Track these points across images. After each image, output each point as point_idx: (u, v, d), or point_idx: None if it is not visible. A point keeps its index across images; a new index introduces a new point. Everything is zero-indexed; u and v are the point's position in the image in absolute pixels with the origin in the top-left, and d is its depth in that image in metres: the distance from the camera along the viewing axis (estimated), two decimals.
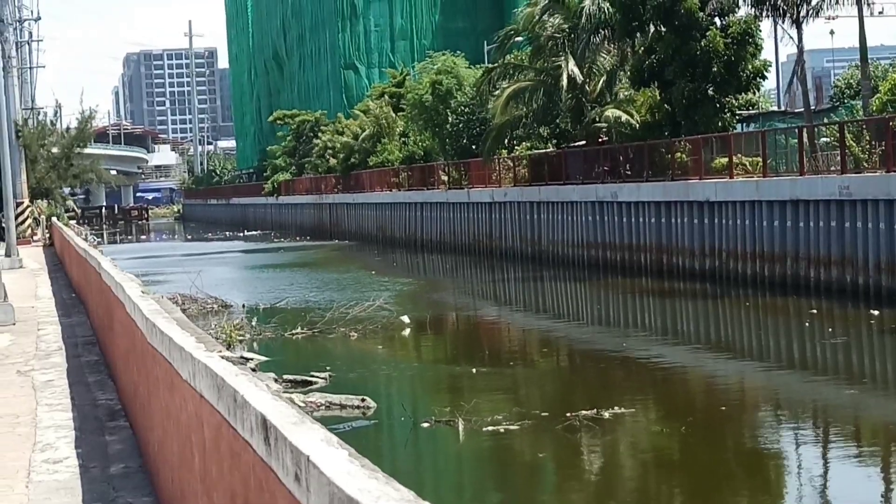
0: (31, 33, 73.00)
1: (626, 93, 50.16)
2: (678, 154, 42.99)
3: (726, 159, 40.21)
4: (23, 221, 60.43)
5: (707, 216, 39.33)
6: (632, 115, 47.41)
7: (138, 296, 11.36)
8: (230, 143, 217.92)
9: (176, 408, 7.63)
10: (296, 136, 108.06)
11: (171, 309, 12.17)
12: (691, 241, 40.19)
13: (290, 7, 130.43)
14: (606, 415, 19.15)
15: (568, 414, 19.11)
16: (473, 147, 61.88)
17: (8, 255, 42.42)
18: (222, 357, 6.55)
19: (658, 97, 46.03)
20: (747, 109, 49.71)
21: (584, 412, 19.11)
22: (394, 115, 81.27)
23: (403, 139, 78.30)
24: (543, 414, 19.63)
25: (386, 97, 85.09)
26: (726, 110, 44.25)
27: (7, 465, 10.84)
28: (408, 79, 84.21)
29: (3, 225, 42.06)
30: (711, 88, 43.55)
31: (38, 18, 72.32)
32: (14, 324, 23.29)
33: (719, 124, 43.59)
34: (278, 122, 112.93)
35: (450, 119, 65.22)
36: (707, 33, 43.06)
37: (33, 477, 10.36)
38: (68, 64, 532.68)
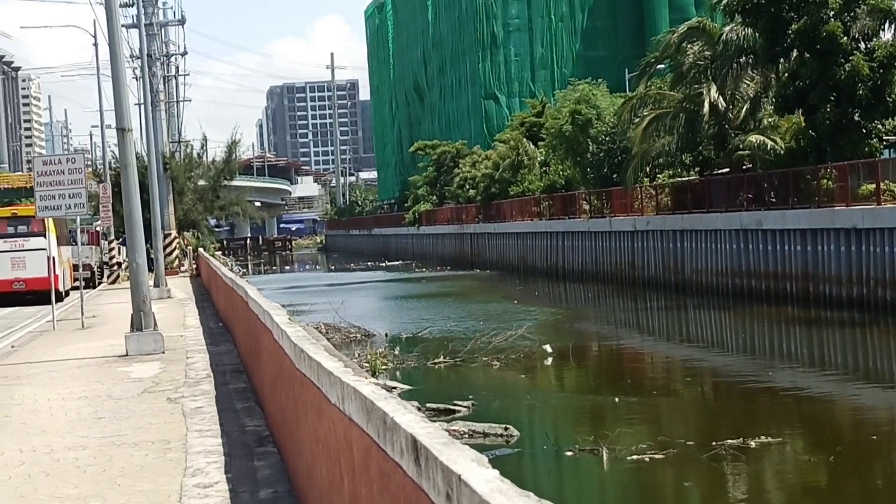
0: (177, 68, 74.42)
1: (769, 119, 49.62)
2: (824, 180, 42.38)
3: (873, 185, 39.56)
4: (170, 252, 61.55)
5: (854, 243, 38.71)
6: (776, 142, 46.89)
7: (286, 322, 11.51)
8: (372, 174, 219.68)
9: (324, 432, 7.72)
10: (436, 167, 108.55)
11: (317, 337, 12.33)
12: (838, 268, 39.57)
13: (430, 38, 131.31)
14: (753, 444, 18.92)
15: (713, 443, 18.92)
16: (614, 176, 61.62)
17: (157, 285, 43.23)
18: (370, 382, 6.63)
19: (802, 123, 45.47)
20: (894, 134, 48.86)
21: (729, 441, 18.90)
22: (532, 145, 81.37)
23: (544, 168, 78.28)
24: (688, 443, 19.45)
25: (524, 127, 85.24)
26: (873, 135, 43.52)
27: (159, 490, 11.04)
28: (547, 108, 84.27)
29: (152, 256, 42.90)
30: (857, 113, 42.90)
31: (185, 53, 73.63)
32: (164, 352, 23.73)
33: (865, 150, 42.89)
34: (419, 152, 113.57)
35: (590, 148, 65.07)
36: (851, 58, 42.45)
37: (185, 501, 10.53)
38: (213, 97, 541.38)
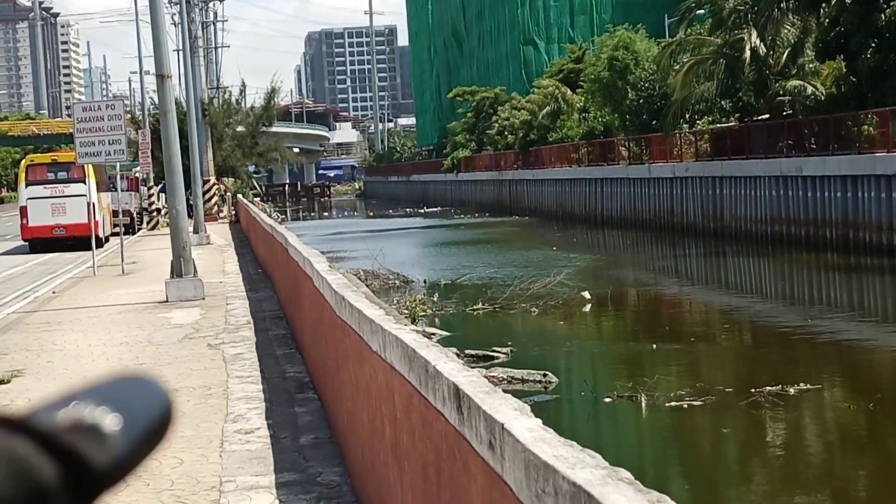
0: (215, 13, 74.49)
1: (810, 65, 49.24)
2: (865, 126, 42.08)
3: None
4: (210, 199, 61.74)
5: (895, 190, 38.47)
6: (816, 88, 46.57)
7: (326, 270, 11.55)
8: (410, 121, 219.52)
9: (365, 379, 7.76)
10: (475, 113, 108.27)
11: (357, 283, 12.38)
12: (878, 215, 39.35)
13: None
14: (791, 391, 18.91)
15: (752, 390, 18.92)
16: (654, 122, 61.33)
17: (196, 231, 43.40)
18: (412, 329, 6.66)
19: (843, 69, 45.11)
20: None
21: (768, 388, 18.90)
22: (570, 92, 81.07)
23: (583, 115, 78.02)
24: (727, 390, 19.46)
25: (563, 74, 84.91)
26: None
27: (201, 436, 11.14)
28: (586, 54, 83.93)
29: (191, 202, 43.06)
30: None
31: None
32: (204, 298, 23.88)
33: None
34: (458, 98, 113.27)
35: (629, 94, 64.79)
36: (893, 3, 42.05)
37: (226, 447, 10.64)
38: (249, 43, 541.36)
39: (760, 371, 21.71)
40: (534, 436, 3.67)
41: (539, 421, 3.90)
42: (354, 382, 8.57)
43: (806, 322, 28.07)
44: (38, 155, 53.28)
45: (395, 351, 6.24)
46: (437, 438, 5.11)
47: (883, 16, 41.97)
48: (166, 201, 35.71)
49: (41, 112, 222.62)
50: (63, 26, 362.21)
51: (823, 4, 45.13)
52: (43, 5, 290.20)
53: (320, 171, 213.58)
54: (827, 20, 44.94)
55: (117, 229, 39.30)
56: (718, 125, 54.94)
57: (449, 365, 5.12)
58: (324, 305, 10.94)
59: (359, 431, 8.49)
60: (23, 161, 49.46)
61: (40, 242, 44.87)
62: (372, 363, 7.28)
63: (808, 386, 19.41)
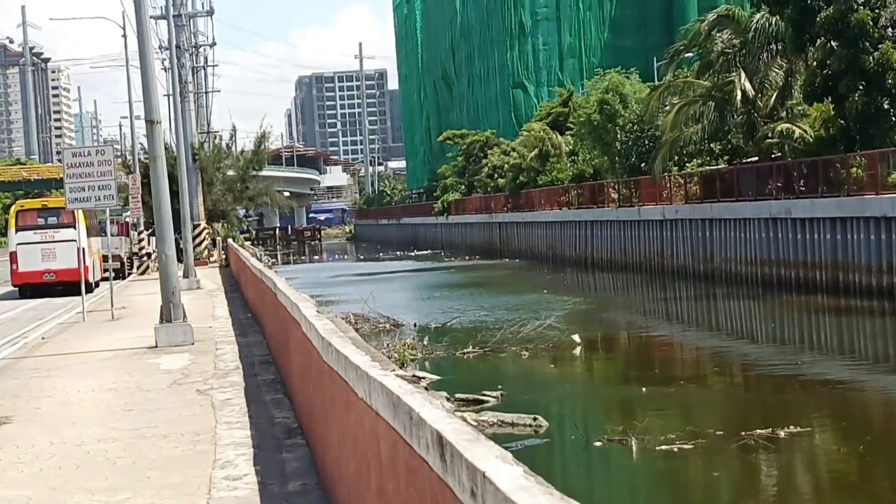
0: (206, 58, 74.52)
1: (798, 107, 49.43)
2: (854, 169, 42.19)
3: None
4: (200, 243, 61.73)
5: (884, 232, 38.54)
6: (805, 130, 46.73)
7: (314, 315, 11.55)
8: (400, 164, 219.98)
9: (352, 426, 7.75)
10: (465, 156, 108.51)
11: (345, 328, 12.37)
12: (868, 257, 39.41)
13: (458, 28, 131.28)
14: (782, 434, 18.89)
15: (743, 433, 18.90)
16: (642, 165, 61.48)
17: (186, 276, 43.35)
18: (397, 376, 6.65)
19: (832, 111, 45.28)
20: None
21: (758, 431, 18.88)
22: (558, 136, 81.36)
23: (572, 158, 78.22)
24: (718, 433, 19.44)
25: (550, 118, 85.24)
26: None
27: (189, 482, 11.11)
28: (574, 97, 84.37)
29: (182, 247, 43.03)
30: (886, 101, 42.68)
31: (214, 44, 73.84)
32: (193, 344, 23.82)
33: (895, 138, 42.70)
34: (448, 141, 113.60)
35: (619, 137, 64.99)
36: (880, 46, 42.26)
37: (214, 493, 10.60)
38: (241, 87, 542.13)
39: (751, 414, 21.70)
40: (515, 484, 3.67)
41: (521, 469, 3.90)
42: (341, 429, 8.55)
43: (796, 365, 28.07)
44: (28, 200, 53.24)
45: (380, 398, 6.24)
46: (421, 486, 5.10)
47: (870, 58, 42.15)
48: (156, 246, 35.69)
49: (31, 157, 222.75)
50: (54, 71, 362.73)
51: (811, 47, 45.33)
52: (34, 51, 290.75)
53: (311, 215, 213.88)
54: (815, 63, 45.14)
55: (107, 274, 39.24)
56: (708, 168, 55.07)
57: (433, 412, 5.12)
58: (311, 351, 10.93)
59: (346, 478, 8.47)
60: (13, 206, 49.41)
61: (30, 288, 44.80)
62: (358, 409, 7.27)
63: (799, 429, 19.39)
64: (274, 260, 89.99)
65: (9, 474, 11.99)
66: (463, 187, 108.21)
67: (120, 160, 68.57)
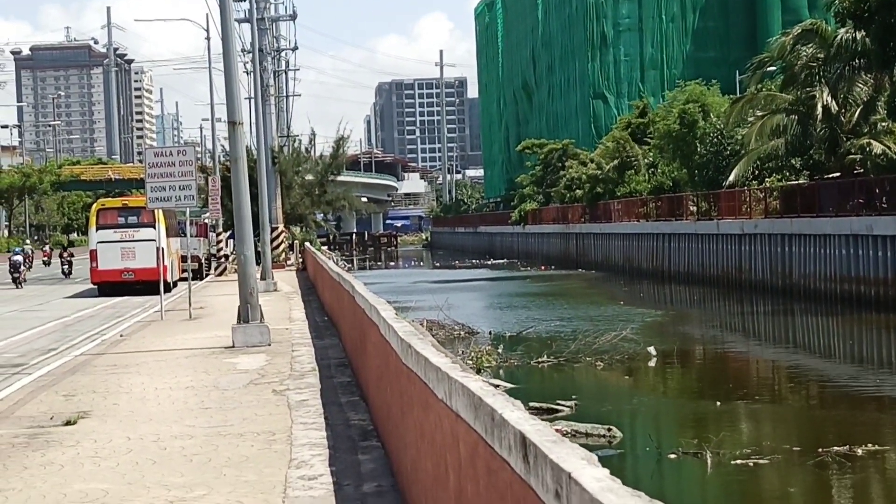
0: (287, 63, 74.93)
1: (883, 123, 48.90)
2: None
3: None
4: (277, 246, 62.04)
5: None
6: (889, 147, 46.21)
7: (393, 318, 11.56)
8: (478, 172, 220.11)
9: (430, 427, 7.73)
10: (544, 165, 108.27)
11: (423, 333, 12.37)
12: None
13: (539, 37, 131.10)
14: (860, 452, 18.67)
15: (819, 449, 18.71)
16: (721, 178, 61.03)
17: (263, 278, 43.56)
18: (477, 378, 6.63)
19: None
20: None
21: (835, 448, 18.67)
22: (637, 147, 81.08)
23: (652, 170, 77.87)
24: (794, 449, 19.25)
25: (629, 130, 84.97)
26: None
27: (265, 481, 11.14)
28: (649, 109, 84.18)
29: (260, 249, 43.28)
30: None
31: (296, 48, 74.22)
32: (270, 345, 23.93)
33: None
34: (526, 151, 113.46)
35: (699, 149, 64.62)
36: None
37: (289, 493, 10.62)
38: (322, 92, 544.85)
39: (827, 431, 21.47)
40: (601, 485, 3.64)
41: (606, 471, 3.86)
42: (419, 430, 8.54)
43: (875, 383, 27.74)
44: (109, 199, 53.77)
45: (460, 399, 6.21)
46: (502, 487, 5.08)
47: None
48: (234, 248, 35.89)
49: (113, 157, 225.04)
50: (136, 73, 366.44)
51: None
52: (117, 52, 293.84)
53: (388, 221, 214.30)
54: None
55: (185, 274, 39.55)
56: (789, 182, 54.61)
57: (515, 414, 5.10)
58: (389, 353, 10.94)
59: (422, 480, 8.46)
60: (94, 205, 49.91)
61: (109, 286, 45.22)
62: (437, 411, 7.26)
63: (877, 447, 19.16)
64: (350, 265, 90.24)
65: (86, 468, 12.09)
66: (540, 197, 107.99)
67: (199, 163, 69.12)
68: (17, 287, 53.81)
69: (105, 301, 42.13)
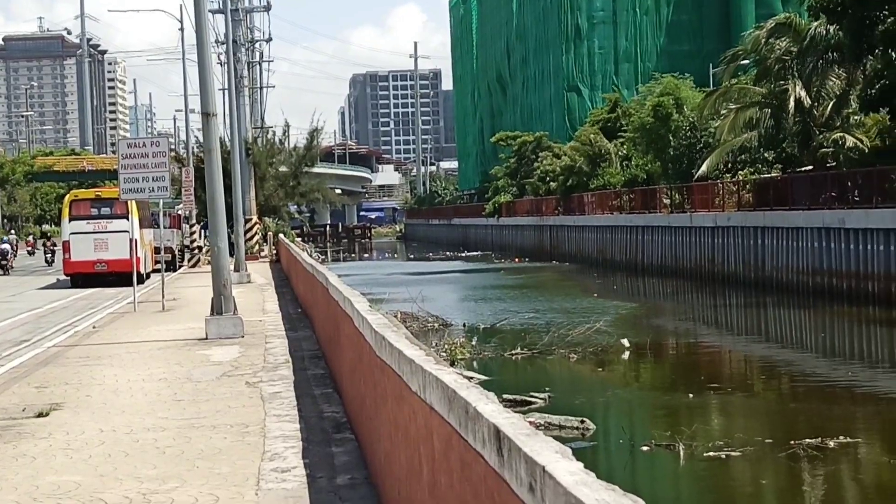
0: (261, 54, 74.73)
1: (855, 117, 49.09)
2: None
3: None
4: (251, 238, 61.92)
5: None
6: (861, 140, 46.39)
7: (366, 309, 11.54)
8: (452, 164, 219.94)
9: (404, 420, 7.73)
10: (518, 158, 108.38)
11: (397, 325, 12.36)
12: None
13: (514, 30, 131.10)
14: (832, 444, 18.75)
15: (791, 442, 18.78)
16: (693, 171, 61.21)
17: (237, 269, 43.48)
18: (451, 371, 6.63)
19: (888, 121, 44.94)
20: None
21: (807, 441, 18.75)
22: (607, 142, 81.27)
23: (625, 162, 78.01)
24: (766, 441, 19.32)
25: (599, 124, 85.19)
26: None
27: (237, 473, 11.13)
28: (620, 102, 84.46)
29: (233, 241, 43.20)
30: None
31: (269, 39, 73.99)
32: (243, 336, 23.90)
33: None
34: (500, 143, 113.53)
35: (672, 142, 64.75)
36: None
37: (262, 485, 10.61)
38: (295, 84, 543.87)
39: (800, 423, 21.56)
40: (575, 479, 3.64)
41: (580, 464, 3.87)
42: (393, 423, 8.54)
43: (846, 376, 27.85)
44: (82, 190, 53.62)
45: (434, 391, 6.21)
46: (476, 480, 5.08)
47: None
48: (208, 239, 35.81)
49: (86, 148, 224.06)
50: (110, 63, 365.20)
51: (868, 57, 45.01)
52: (91, 42, 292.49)
53: (361, 213, 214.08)
54: (872, 72, 44.82)
55: (159, 266, 39.44)
56: (762, 176, 54.76)
57: (489, 406, 5.10)
58: (363, 345, 10.93)
59: (396, 472, 8.45)
60: (67, 196, 49.75)
61: (82, 277, 45.09)
62: (411, 403, 7.25)
63: (849, 439, 19.24)
64: (324, 257, 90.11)
65: (58, 460, 12.06)
66: (514, 189, 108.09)
67: (174, 153, 68.91)
68: (5, 273, 57.75)
69: (78, 292, 41.98)
